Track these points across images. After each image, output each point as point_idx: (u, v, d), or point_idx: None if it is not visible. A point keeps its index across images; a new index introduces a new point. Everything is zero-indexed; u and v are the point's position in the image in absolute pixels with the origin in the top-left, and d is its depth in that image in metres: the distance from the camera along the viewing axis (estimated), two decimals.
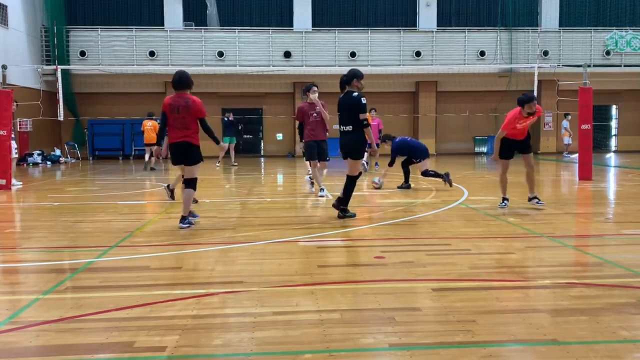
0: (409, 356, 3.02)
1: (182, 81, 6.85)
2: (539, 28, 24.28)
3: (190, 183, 7.00)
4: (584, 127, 12.43)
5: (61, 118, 19.31)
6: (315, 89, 9.67)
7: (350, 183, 7.50)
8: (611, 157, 21.92)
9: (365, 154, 13.56)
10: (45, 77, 21.24)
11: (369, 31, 23.84)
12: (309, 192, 10.75)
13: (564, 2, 25.33)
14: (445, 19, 25.38)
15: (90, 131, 23.35)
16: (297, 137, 9.98)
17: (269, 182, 13.97)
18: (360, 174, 7.65)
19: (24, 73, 19.87)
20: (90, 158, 23.12)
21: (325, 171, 10.32)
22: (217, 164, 18.15)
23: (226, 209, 8.67)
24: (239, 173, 16.04)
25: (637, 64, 24.23)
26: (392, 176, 12.03)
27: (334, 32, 23.69)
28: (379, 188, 10.87)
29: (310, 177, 14.59)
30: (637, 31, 24.21)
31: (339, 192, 7.69)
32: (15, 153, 12.28)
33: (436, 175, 11.16)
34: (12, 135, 12.09)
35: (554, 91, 16.55)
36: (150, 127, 17.10)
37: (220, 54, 23.06)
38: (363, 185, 12.32)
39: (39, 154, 20.38)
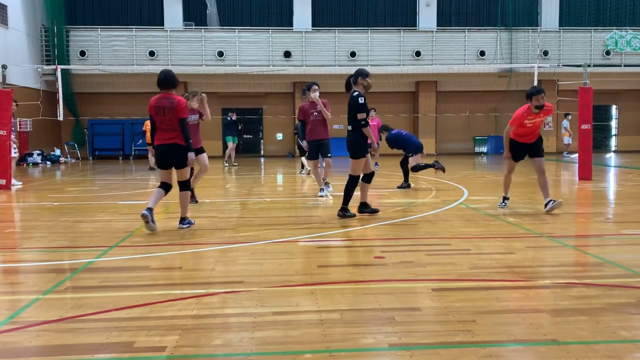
0: (409, 356, 3.01)
1: (167, 80, 6.64)
2: (539, 28, 24.28)
3: (184, 185, 6.91)
4: (584, 127, 12.44)
5: (61, 118, 19.32)
6: (316, 87, 9.60)
7: (351, 183, 7.50)
8: (611, 157, 21.93)
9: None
10: (45, 77, 21.25)
11: (369, 31, 23.85)
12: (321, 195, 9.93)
13: (564, 2, 25.34)
14: (445, 19, 25.39)
15: (90, 131, 23.35)
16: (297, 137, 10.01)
17: (269, 182, 13.97)
18: (373, 174, 7.63)
19: (24, 73, 19.87)
20: (90, 158, 23.12)
21: (330, 168, 10.09)
22: (226, 164, 18.21)
23: (226, 209, 8.67)
24: (239, 173, 16.04)
25: (637, 64, 24.24)
26: (392, 176, 12.03)
27: (334, 32, 23.70)
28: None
29: (303, 172, 14.67)
30: (637, 31, 24.21)
31: (340, 192, 7.68)
32: (15, 152, 12.28)
33: (426, 166, 11.17)
34: (13, 137, 12.09)
35: (554, 91, 16.54)
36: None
37: (220, 54, 23.06)
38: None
39: (38, 154, 20.38)
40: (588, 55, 23.63)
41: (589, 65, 14.61)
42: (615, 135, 26.86)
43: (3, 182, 11.34)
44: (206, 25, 24.10)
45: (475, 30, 24.29)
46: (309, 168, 15.47)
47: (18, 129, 19.42)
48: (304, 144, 10.06)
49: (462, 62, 23.78)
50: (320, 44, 23.65)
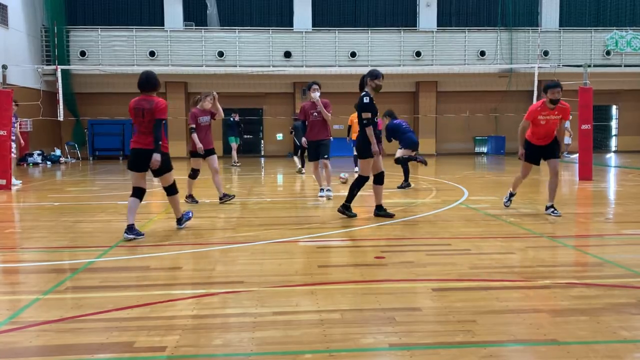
0: (409, 356, 3.02)
1: (149, 82, 6.38)
2: (539, 28, 24.28)
3: (171, 190, 6.66)
4: (584, 127, 12.44)
5: (61, 118, 19.32)
6: (316, 87, 9.43)
7: (357, 183, 7.49)
8: (611, 157, 21.93)
9: None
10: (45, 77, 21.25)
11: (369, 31, 23.85)
12: (320, 196, 9.76)
13: (564, 2, 25.33)
14: (445, 19, 25.39)
15: (90, 131, 23.35)
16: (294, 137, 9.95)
17: (269, 182, 13.97)
18: (383, 174, 7.54)
19: (24, 73, 19.87)
20: (90, 158, 23.12)
21: (330, 170, 9.82)
22: (235, 163, 18.23)
23: (226, 209, 8.67)
24: (239, 173, 16.05)
25: (637, 64, 24.24)
26: (392, 176, 12.03)
27: (334, 32, 23.70)
28: (344, 182, 10.73)
29: (300, 171, 14.72)
30: (637, 31, 24.21)
31: (339, 193, 7.68)
32: (14, 152, 12.28)
33: (409, 159, 11.17)
34: (13, 137, 12.08)
35: None
36: None
37: (220, 54, 23.07)
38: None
39: (39, 154, 20.39)
40: (588, 55, 23.63)
41: (589, 66, 14.61)
42: (615, 135, 26.85)
43: (3, 182, 11.34)
44: (206, 26, 24.11)
45: (476, 31, 24.29)
46: (299, 166, 15.53)
47: (19, 129, 19.44)
48: (304, 141, 9.99)
49: (462, 62, 23.78)
50: (321, 44, 23.65)
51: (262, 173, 16.66)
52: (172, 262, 5.23)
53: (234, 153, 18.69)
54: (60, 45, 22.29)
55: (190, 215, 7.06)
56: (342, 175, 11.92)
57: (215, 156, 9.14)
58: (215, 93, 9.06)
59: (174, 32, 23.49)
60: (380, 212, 7.56)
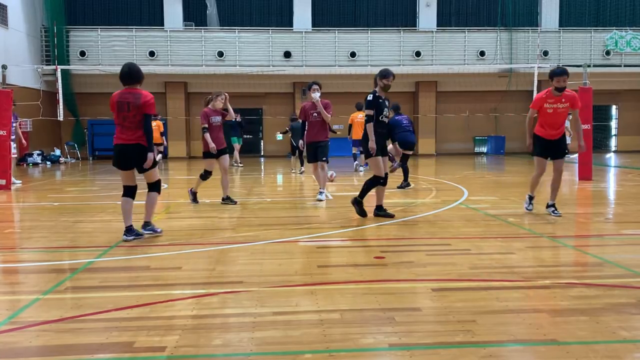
0: (409, 356, 3.01)
1: (131, 75, 6.06)
2: (539, 28, 24.29)
3: (154, 186, 6.35)
4: (584, 127, 12.41)
5: (61, 118, 19.32)
6: (316, 87, 9.28)
7: (371, 181, 7.46)
8: (611, 157, 21.93)
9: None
10: (45, 77, 21.25)
11: (369, 31, 23.85)
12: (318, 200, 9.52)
13: (564, 2, 25.33)
14: (445, 19, 25.39)
15: (90, 131, 23.34)
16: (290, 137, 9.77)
17: (269, 182, 13.97)
18: (386, 175, 7.51)
19: (24, 73, 19.87)
20: (90, 158, 23.12)
21: (327, 172, 9.60)
22: (238, 164, 18.22)
23: (226, 209, 8.67)
24: (239, 173, 16.05)
25: (637, 64, 24.24)
26: (392, 176, 12.01)
27: (334, 32, 23.70)
28: (331, 181, 10.60)
29: (294, 171, 14.70)
30: (637, 31, 24.22)
31: (339, 193, 7.66)
32: (14, 152, 12.28)
33: (392, 158, 11.16)
34: (12, 137, 12.09)
35: None
36: (155, 127, 17.50)
37: (220, 54, 23.07)
38: (361, 186, 12.32)
39: (39, 154, 20.39)
40: (588, 55, 23.64)
41: (589, 66, 14.61)
42: (615, 135, 26.85)
43: (3, 182, 11.34)
44: (206, 26, 24.11)
45: (475, 31, 24.29)
46: (302, 168, 15.54)
47: (20, 129, 19.44)
48: (300, 143, 9.82)
49: (462, 62, 23.79)
50: (320, 44, 23.65)
51: (262, 173, 16.66)
52: (172, 262, 5.23)
53: (236, 153, 18.70)
54: (60, 45, 22.29)
55: (159, 232, 6.43)
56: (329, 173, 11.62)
57: (227, 156, 9.12)
58: (226, 94, 9.03)
59: (174, 32, 23.49)
60: (380, 212, 7.57)
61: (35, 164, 19.86)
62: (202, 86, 23.66)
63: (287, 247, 5.80)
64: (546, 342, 3.21)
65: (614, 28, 24.21)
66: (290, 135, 16.44)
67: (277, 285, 4.38)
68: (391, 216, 7.50)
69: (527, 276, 4.62)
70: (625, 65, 24.24)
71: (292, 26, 24.53)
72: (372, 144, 7.30)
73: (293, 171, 15.72)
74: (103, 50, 22.76)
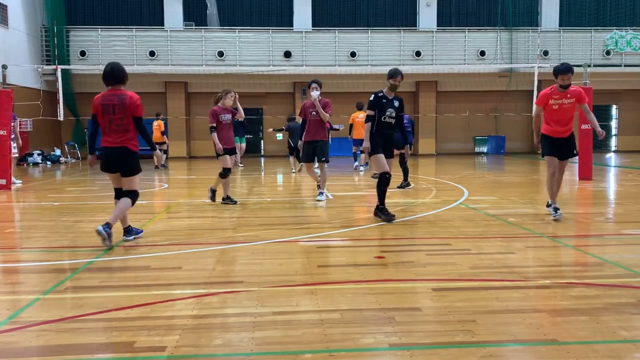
0: (409, 356, 3.02)
1: (115, 75, 5.78)
2: (539, 28, 24.29)
3: (130, 195, 6.00)
4: (584, 127, 12.44)
5: (61, 118, 19.32)
6: (315, 85, 9.18)
7: (379, 182, 7.36)
8: (611, 157, 21.93)
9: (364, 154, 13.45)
10: (45, 77, 21.26)
11: (369, 31, 23.85)
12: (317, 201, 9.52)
13: (564, 2, 25.34)
14: (445, 19, 25.39)
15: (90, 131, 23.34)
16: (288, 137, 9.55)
17: (269, 182, 13.97)
18: (390, 175, 7.40)
19: (24, 73, 19.88)
20: None
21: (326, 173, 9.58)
22: (238, 164, 18.22)
23: (226, 209, 8.67)
24: (239, 173, 16.05)
25: (637, 64, 24.25)
26: (392, 176, 12.01)
27: (334, 32, 23.71)
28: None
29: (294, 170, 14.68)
30: (637, 31, 24.22)
31: (337, 193, 7.65)
32: (14, 152, 12.28)
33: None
34: (12, 136, 12.09)
35: None
36: (156, 126, 17.73)
37: (220, 54, 23.07)
38: (361, 185, 12.32)
39: (39, 154, 20.39)
40: (588, 55, 23.64)
41: (589, 65, 14.61)
42: (615, 135, 26.86)
43: (3, 182, 11.34)
44: (206, 25, 24.11)
45: (475, 30, 24.29)
46: (293, 170, 15.54)
47: (19, 129, 19.44)
48: (300, 143, 9.73)
49: (462, 62, 23.79)
50: (320, 44, 23.66)
51: (262, 173, 16.66)
52: (172, 262, 5.23)
53: (240, 153, 18.69)
54: (60, 45, 22.30)
55: (140, 233, 6.22)
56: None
57: (234, 155, 9.08)
58: (235, 92, 8.98)
59: (174, 32, 23.50)
60: (382, 215, 7.52)
61: (36, 164, 19.86)
62: (202, 86, 23.67)
63: (287, 247, 5.80)
64: (546, 342, 3.21)
65: (614, 28, 24.22)
66: (288, 134, 16.46)
67: (277, 285, 4.38)
68: (391, 217, 7.48)
69: (527, 276, 4.62)
70: (625, 65, 24.25)
71: (292, 26, 24.53)
72: (365, 144, 7.32)
73: (293, 171, 15.72)
74: (103, 50, 22.77)
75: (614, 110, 26.82)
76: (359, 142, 13.92)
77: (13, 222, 8.02)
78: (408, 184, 11.13)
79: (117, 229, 6.79)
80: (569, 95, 7.12)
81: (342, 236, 6.47)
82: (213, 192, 9.15)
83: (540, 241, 6.01)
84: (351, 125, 15.16)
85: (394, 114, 7.35)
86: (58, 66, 19.80)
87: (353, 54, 23.51)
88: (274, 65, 23.25)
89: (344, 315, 3.66)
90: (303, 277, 4.59)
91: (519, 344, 3.20)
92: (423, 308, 3.81)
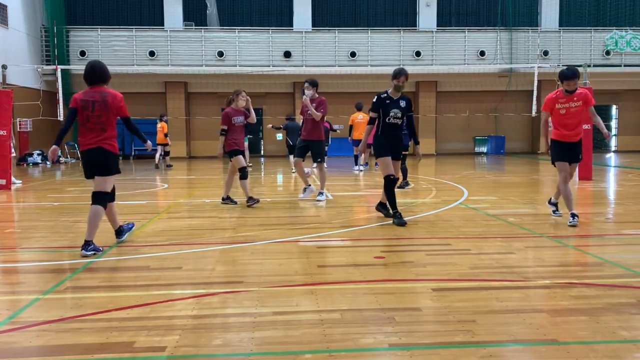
0: (409, 356, 3.02)
1: (95, 73, 5.57)
2: (539, 28, 24.29)
3: (99, 198, 5.53)
4: (584, 127, 12.38)
5: (61, 118, 19.29)
6: (307, 85, 9.11)
7: (385, 185, 7.23)
8: (611, 157, 21.93)
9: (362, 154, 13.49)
10: (45, 77, 21.25)
11: (369, 31, 23.85)
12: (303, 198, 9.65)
13: (564, 2, 25.35)
14: (445, 19, 25.40)
15: None
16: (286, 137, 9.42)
17: (269, 182, 13.97)
18: (395, 177, 7.20)
19: (24, 73, 19.87)
20: None
21: (324, 172, 9.54)
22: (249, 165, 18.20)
23: (226, 209, 8.67)
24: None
25: (637, 64, 24.25)
26: None
27: (334, 32, 23.71)
28: (308, 177, 10.39)
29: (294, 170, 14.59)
30: (637, 31, 24.22)
31: (337, 193, 7.65)
32: (13, 153, 12.29)
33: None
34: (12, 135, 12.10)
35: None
36: (159, 128, 17.83)
37: (220, 54, 23.07)
38: (361, 185, 12.33)
39: (39, 154, 20.39)
40: (588, 55, 23.64)
41: (589, 65, 14.61)
42: (615, 135, 26.86)
43: (3, 182, 11.34)
44: (206, 25, 24.11)
45: (475, 30, 24.30)
46: (293, 170, 15.52)
47: (18, 129, 19.47)
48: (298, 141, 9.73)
49: (462, 62, 23.79)
50: (320, 44, 23.66)
51: (262, 173, 16.66)
52: (172, 262, 5.23)
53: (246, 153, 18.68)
54: (60, 45, 22.29)
55: (99, 251, 5.52)
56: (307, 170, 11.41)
57: (241, 157, 8.97)
58: (245, 94, 8.82)
59: (174, 32, 23.50)
60: (383, 209, 7.53)
61: (35, 164, 19.86)
62: (202, 86, 23.68)
63: (287, 247, 5.80)
64: (546, 342, 3.21)
65: (614, 28, 24.22)
66: (285, 133, 16.45)
67: (277, 285, 4.38)
68: (392, 216, 7.48)
69: (527, 276, 4.62)
70: (625, 65, 24.25)
71: (292, 26, 24.53)
72: (362, 147, 7.31)
73: (293, 171, 15.72)
74: (103, 50, 22.76)
75: (614, 110, 26.82)
76: (358, 142, 13.92)
77: (13, 222, 8.02)
78: (407, 184, 11.13)
79: (111, 229, 6.78)
80: (575, 99, 6.91)
81: (342, 236, 6.47)
82: (250, 198, 8.76)
83: (540, 241, 6.01)
84: (351, 126, 15.14)
85: (399, 115, 7.16)
86: (58, 66, 19.78)
87: (353, 54, 23.51)
88: (273, 65, 23.25)
89: (344, 315, 3.66)
90: (303, 277, 4.59)
91: (519, 344, 3.20)
92: (423, 308, 3.81)
